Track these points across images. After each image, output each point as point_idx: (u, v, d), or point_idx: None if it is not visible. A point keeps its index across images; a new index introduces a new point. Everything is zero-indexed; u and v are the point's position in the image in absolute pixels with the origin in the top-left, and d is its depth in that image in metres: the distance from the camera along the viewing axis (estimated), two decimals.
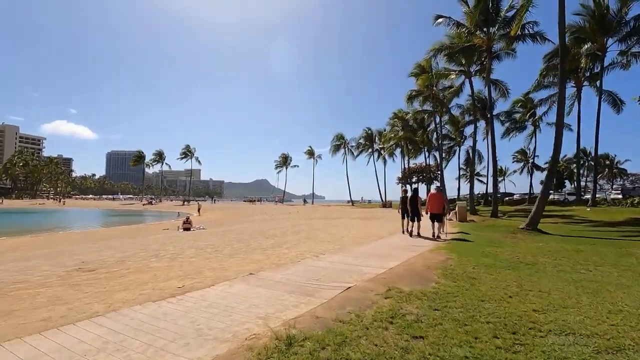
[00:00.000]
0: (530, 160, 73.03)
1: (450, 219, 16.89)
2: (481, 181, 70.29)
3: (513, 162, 77.59)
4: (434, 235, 10.62)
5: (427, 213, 11.11)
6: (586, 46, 24.59)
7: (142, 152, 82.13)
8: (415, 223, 11.27)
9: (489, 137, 20.46)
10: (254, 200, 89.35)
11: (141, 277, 5.64)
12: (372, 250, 8.16)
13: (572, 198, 32.36)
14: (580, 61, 26.27)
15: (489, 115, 20.64)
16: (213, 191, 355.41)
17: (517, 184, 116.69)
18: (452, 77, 24.32)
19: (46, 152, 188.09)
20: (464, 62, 24.30)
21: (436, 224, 10.85)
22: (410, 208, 11.29)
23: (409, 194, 11.73)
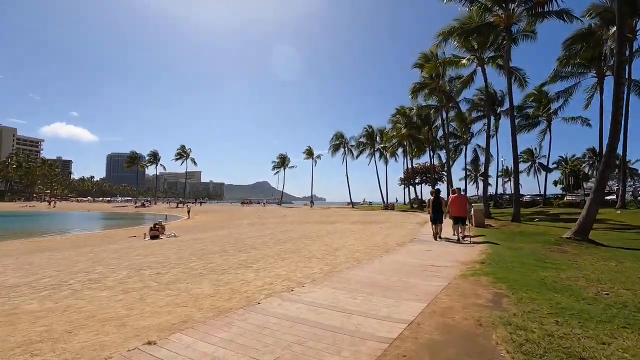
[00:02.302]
0: (537, 160, 70.72)
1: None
2: (488, 182, 67.88)
3: (520, 162, 75.06)
4: (458, 239, 10.37)
5: (446, 216, 11.12)
6: (613, 29, 21.91)
7: (136, 153, 79.74)
8: (439, 225, 10.91)
9: (510, 129, 17.78)
10: (246, 202, 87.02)
11: None
12: (377, 276, 5.57)
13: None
14: (602, 46, 23.58)
15: (508, 105, 18.01)
16: (213, 193, 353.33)
17: (523, 184, 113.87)
18: (464, 62, 21.67)
19: (45, 155, 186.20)
20: (476, 46, 21.71)
21: (459, 226, 10.68)
22: (434, 210, 10.89)
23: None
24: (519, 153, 64.15)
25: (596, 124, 29.29)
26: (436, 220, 10.84)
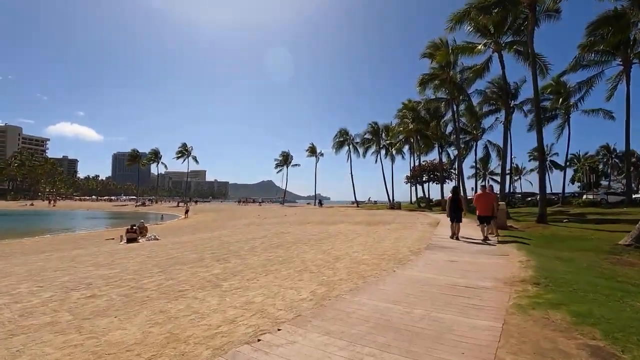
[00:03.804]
0: (549, 158, 68.20)
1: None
2: (496, 180, 65.43)
3: (530, 160, 72.55)
4: (485, 239, 9.65)
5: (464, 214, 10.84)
6: None
7: (137, 151, 78.59)
8: (457, 225, 10.23)
9: (536, 119, 15.84)
10: (243, 201, 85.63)
11: None
12: (392, 308, 3.81)
13: (614, 199, 27.55)
14: (631, 30, 21.44)
15: (533, 93, 16.05)
16: (218, 192, 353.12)
17: (533, 183, 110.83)
18: (480, 47, 19.69)
19: (52, 154, 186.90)
20: (492, 30, 19.78)
21: (485, 226, 9.99)
22: (453, 209, 10.37)
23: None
24: (529, 151, 60.95)
25: (621, 116, 27.26)
26: (454, 219, 10.30)
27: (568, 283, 4.73)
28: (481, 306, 3.84)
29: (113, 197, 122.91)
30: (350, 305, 3.92)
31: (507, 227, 13.95)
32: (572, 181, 44.29)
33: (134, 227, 12.77)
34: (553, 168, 65.61)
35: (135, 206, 66.41)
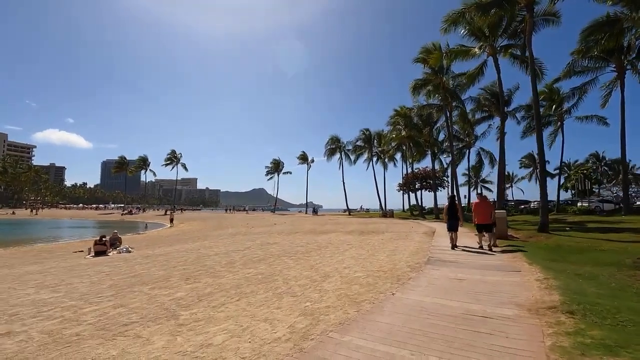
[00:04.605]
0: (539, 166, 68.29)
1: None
2: (488, 188, 65.09)
3: (520, 167, 72.62)
4: (481, 248, 9.57)
5: (461, 224, 10.48)
6: None
7: (125, 158, 76.65)
8: (455, 234, 10.01)
9: (536, 123, 15.12)
10: (230, 209, 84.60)
11: None
12: (394, 356, 2.84)
13: (608, 206, 27.09)
14: (624, 36, 21.13)
15: (533, 96, 15.34)
16: (209, 200, 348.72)
17: (525, 191, 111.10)
18: (476, 50, 19.10)
19: (38, 161, 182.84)
20: (487, 32, 19.26)
21: (485, 235, 9.95)
22: (450, 217, 10.10)
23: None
24: (520, 159, 60.88)
25: (615, 123, 26.96)
26: (452, 228, 10.05)
27: (608, 311, 3.82)
28: (512, 351, 2.89)
29: (101, 206, 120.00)
30: (338, 349, 2.93)
31: (507, 237, 13.13)
32: (566, 189, 43.99)
33: (103, 239, 11.57)
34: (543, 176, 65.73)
35: (122, 214, 64.34)
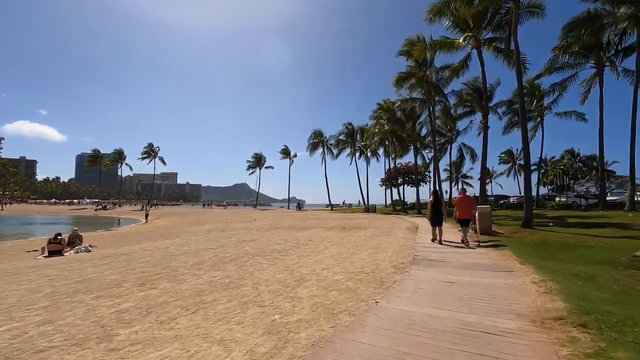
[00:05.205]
0: (518, 162, 69.70)
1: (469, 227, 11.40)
2: (469, 184, 65.95)
3: (499, 163, 74.00)
4: (463, 242, 9.75)
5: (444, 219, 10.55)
6: (622, 9, 19.58)
7: (99, 152, 73.58)
8: (439, 229, 10.19)
9: (520, 119, 14.80)
10: (208, 205, 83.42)
11: None
12: None
13: (584, 202, 27.55)
14: (604, 32, 21.20)
15: (518, 89, 15.03)
16: (190, 195, 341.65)
17: (503, 186, 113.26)
18: (460, 42, 18.57)
19: (7, 154, 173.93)
20: (472, 24, 18.88)
21: (464, 229, 10.14)
22: (434, 212, 10.23)
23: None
24: (499, 155, 61.97)
25: (593, 119, 27.36)
26: (436, 223, 10.24)
27: (625, 323, 3.29)
28: None
29: (75, 201, 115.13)
30: None
31: (492, 232, 12.82)
32: (544, 184, 44.88)
33: (59, 237, 10.48)
34: (521, 171, 67.17)
35: (95, 210, 61.80)
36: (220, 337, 3.23)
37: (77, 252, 10.34)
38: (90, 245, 11.23)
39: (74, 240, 11.53)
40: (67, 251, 10.38)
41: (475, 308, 3.95)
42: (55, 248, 10.04)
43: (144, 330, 3.47)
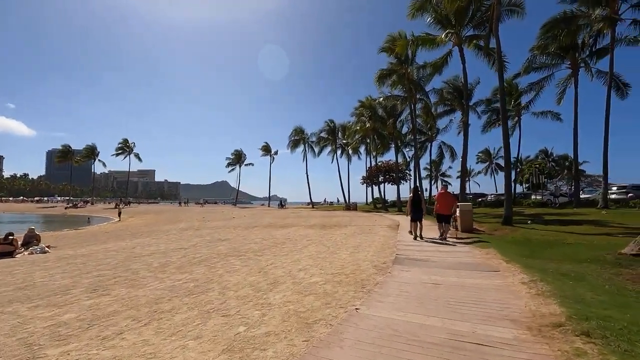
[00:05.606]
0: (495, 161, 71.43)
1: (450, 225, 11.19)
2: (448, 182, 67.03)
3: (477, 162, 75.64)
4: (440, 237, 10.00)
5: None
6: (597, 11, 20.00)
7: (69, 147, 70.21)
8: (419, 225, 10.23)
9: (501, 116, 14.74)
10: (184, 203, 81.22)
11: None
12: None
13: (563, 200, 28.18)
14: (579, 33, 21.65)
15: (499, 86, 15.04)
16: (168, 193, 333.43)
17: (480, 184, 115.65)
18: (442, 37, 18.41)
19: None
20: (453, 21, 18.79)
21: (444, 225, 10.21)
22: (413, 208, 10.29)
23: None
24: (477, 154, 63.17)
25: (568, 118, 27.98)
26: (415, 218, 10.28)
27: (630, 330, 2.96)
28: None
29: (44, 198, 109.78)
30: None
31: (473, 230, 12.69)
32: (520, 183, 46.03)
33: (10, 237, 9.52)
34: (498, 170, 68.88)
35: (65, 208, 58.88)
36: (170, 356, 2.68)
37: (32, 253, 9.43)
38: (48, 246, 10.31)
39: (30, 241, 10.55)
40: (20, 252, 9.45)
41: (464, 314, 3.56)
42: (5, 249, 9.09)
43: (78, 349, 2.88)
